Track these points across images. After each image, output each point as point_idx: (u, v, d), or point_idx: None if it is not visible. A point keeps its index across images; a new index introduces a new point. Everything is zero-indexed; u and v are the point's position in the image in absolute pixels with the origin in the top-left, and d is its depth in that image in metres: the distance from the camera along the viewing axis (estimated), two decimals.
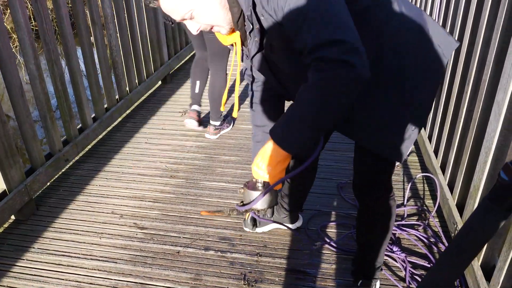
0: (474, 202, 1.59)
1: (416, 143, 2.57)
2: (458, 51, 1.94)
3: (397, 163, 1.49)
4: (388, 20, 1.10)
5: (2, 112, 1.87)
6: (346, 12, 0.94)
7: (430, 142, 2.31)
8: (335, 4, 0.93)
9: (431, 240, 1.86)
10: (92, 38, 2.65)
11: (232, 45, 1.19)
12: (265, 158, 1.01)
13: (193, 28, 1.07)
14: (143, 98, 3.45)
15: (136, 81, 3.24)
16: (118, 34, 2.93)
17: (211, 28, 1.09)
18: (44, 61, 2.33)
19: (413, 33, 1.13)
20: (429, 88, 1.18)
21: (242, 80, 1.48)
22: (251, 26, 1.04)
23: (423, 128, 2.42)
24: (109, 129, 2.94)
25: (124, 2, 2.97)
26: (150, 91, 3.58)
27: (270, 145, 1.00)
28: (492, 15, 1.60)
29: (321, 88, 0.91)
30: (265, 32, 1.05)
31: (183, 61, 4.33)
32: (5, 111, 1.98)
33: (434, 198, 2.12)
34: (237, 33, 1.12)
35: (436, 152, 2.21)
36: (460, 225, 1.68)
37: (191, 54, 4.50)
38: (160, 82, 3.77)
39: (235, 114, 1.42)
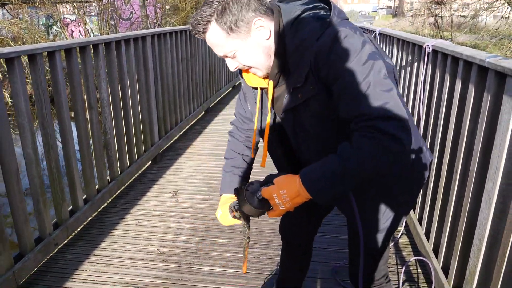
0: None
1: (406, 225, 2.62)
2: (444, 140, 2.07)
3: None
4: None
5: None
6: (398, 92, 1.05)
7: (421, 225, 2.36)
8: (392, 84, 1.03)
9: None
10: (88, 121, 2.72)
11: (255, 88, 1.27)
12: (290, 193, 1.05)
13: (232, 66, 1.16)
14: (133, 178, 3.46)
15: (127, 161, 3.27)
16: (112, 117, 3.01)
17: (248, 69, 1.17)
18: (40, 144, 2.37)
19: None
20: (414, 192, 1.33)
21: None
22: (300, 82, 1.10)
23: (412, 210, 2.49)
24: (98, 210, 2.91)
25: (119, 87, 3.09)
26: (140, 171, 3.60)
27: (297, 183, 1.05)
28: (475, 110, 1.75)
29: (369, 154, 0.97)
30: (308, 91, 1.11)
31: (172, 141, 4.41)
32: None
33: (428, 281, 2.13)
34: (270, 82, 1.17)
35: (427, 234, 2.26)
36: None
37: (180, 133, 4.61)
38: (150, 162, 3.81)
39: (263, 164, 1.41)
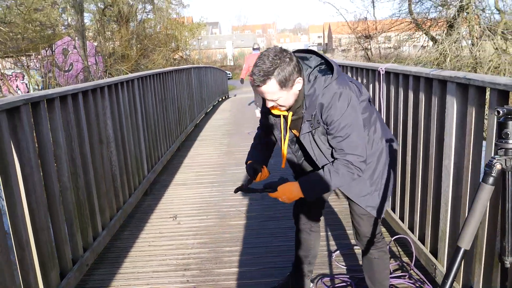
0: (444, 243, 2.13)
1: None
2: (405, 139, 2.64)
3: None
4: (380, 138, 1.84)
5: None
6: (364, 136, 1.72)
7: (395, 212, 2.90)
8: (361, 133, 1.70)
9: (417, 284, 2.33)
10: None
11: (278, 116, 1.81)
12: (290, 196, 1.77)
13: (270, 104, 1.68)
14: (132, 209, 3.74)
15: (128, 193, 3.58)
16: (116, 152, 3.34)
17: (277, 106, 1.69)
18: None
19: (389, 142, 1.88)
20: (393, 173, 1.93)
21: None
22: (310, 118, 1.69)
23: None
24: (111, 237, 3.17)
25: (118, 125, 3.44)
26: (136, 202, 3.88)
27: (296, 188, 1.74)
28: (427, 110, 2.34)
29: (342, 175, 1.70)
30: (315, 124, 1.71)
31: (156, 175, 4.72)
32: None
33: (408, 253, 2.63)
34: (290, 113, 1.75)
35: (401, 218, 2.79)
36: (438, 265, 2.19)
37: (163, 166, 4.94)
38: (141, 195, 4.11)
39: (283, 165, 1.95)
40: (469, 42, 12.85)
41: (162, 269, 2.71)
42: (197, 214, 3.60)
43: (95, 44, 19.50)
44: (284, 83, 1.59)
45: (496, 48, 11.88)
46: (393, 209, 2.96)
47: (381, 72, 2.95)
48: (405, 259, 2.62)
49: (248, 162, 2.01)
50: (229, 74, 32.84)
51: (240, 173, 4.75)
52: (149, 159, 4.36)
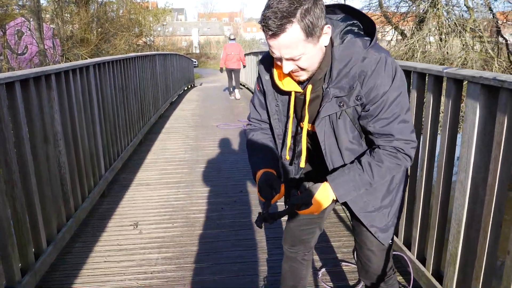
0: (454, 268, 1.83)
1: None
2: None
3: None
4: None
5: None
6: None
7: None
8: (409, 113, 1.30)
9: None
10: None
11: (286, 94, 1.36)
12: (327, 205, 1.32)
13: (288, 68, 1.20)
14: (86, 214, 3.26)
15: (80, 197, 3.10)
16: (66, 150, 2.85)
17: (296, 71, 1.24)
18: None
19: None
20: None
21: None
22: (345, 93, 1.24)
23: None
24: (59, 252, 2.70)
25: (69, 119, 2.95)
26: (91, 207, 3.40)
27: (331, 192, 1.31)
28: (433, 119, 2.02)
29: (387, 169, 1.30)
30: (350, 101, 1.25)
31: (115, 173, 4.23)
32: None
33: (404, 273, 2.34)
34: (309, 86, 1.29)
35: (395, 233, 2.48)
36: None
37: (123, 164, 4.45)
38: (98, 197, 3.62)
39: (303, 164, 1.48)
40: (437, 38, 12.91)
41: None
42: (162, 221, 3.18)
43: (52, 26, 18.27)
44: (310, 30, 1.12)
45: (464, 45, 11.97)
46: None
47: None
48: (400, 278, 2.33)
49: (260, 173, 1.44)
50: (195, 62, 32.08)
51: (210, 171, 4.34)
52: (107, 156, 3.87)
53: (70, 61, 15.28)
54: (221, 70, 10.51)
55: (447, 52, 12.87)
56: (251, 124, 1.60)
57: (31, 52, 16.58)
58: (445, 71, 1.87)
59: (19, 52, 16.47)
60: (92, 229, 3.08)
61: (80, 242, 2.88)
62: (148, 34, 24.18)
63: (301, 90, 1.32)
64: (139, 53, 6.03)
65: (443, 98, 1.96)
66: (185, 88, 13.15)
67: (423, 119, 2.18)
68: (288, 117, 1.41)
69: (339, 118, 1.29)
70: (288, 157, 1.49)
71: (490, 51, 12.42)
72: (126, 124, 4.72)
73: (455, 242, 1.83)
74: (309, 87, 1.29)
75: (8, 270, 2.05)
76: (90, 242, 2.87)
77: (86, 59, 10.37)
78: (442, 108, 2.05)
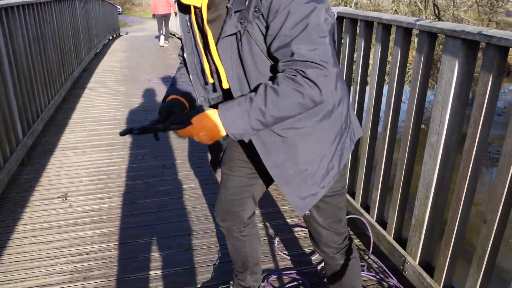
0: (420, 233, 1.76)
1: None
2: (361, 101, 2.16)
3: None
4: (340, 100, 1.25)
5: None
6: (329, 41, 1.06)
7: None
8: (327, 36, 1.06)
9: (379, 276, 1.98)
10: None
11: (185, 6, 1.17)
12: (213, 131, 1.10)
13: None
14: (3, 188, 2.81)
15: None
16: None
17: None
18: None
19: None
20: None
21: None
22: (242, 5, 1.05)
23: None
24: None
25: None
26: (9, 178, 2.94)
27: (216, 119, 1.09)
28: (400, 76, 1.87)
29: (286, 93, 1.03)
30: (250, 16, 1.05)
31: (35, 137, 3.72)
32: None
33: (361, 236, 2.27)
34: (205, 2, 1.10)
35: (351, 194, 2.39)
36: (408, 257, 1.83)
37: (44, 125, 3.93)
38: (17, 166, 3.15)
39: (226, 85, 1.28)
40: None
41: (52, 281, 1.98)
42: (94, 191, 2.83)
43: None
44: None
45: None
46: None
47: None
48: (357, 241, 2.26)
49: (169, 98, 1.31)
50: (119, 8, 29.85)
51: None
52: (24, 117, 3.35)
53: None
54: (154, 16, 10.22)
55: (379, 4, 13.01)
56: (181, 62, 1.41)
57: None
58: (418, 23, 1.69)
59: None
60: (12, 205, 2.66)
61: None
62: None
63: (199, 5, 1.12)
64: None
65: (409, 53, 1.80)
66: (110, 38, 12.09)
67: (387, 75, 2.03)
68: (198, 50, 1.22)
69: (241, 40, 1.09)
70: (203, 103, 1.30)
71: (418, 3, 12.73)
72: (44, 79, 4.13)
73: (422, 207, 1.74)
74: (205, 2, 1.11)
75: None
76: (10, 221, 2.47)
77: None
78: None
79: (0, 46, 2.89)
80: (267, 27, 1.05)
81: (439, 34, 1.63)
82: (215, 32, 1.14)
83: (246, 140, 1.18)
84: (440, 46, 8.54)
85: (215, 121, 1.09)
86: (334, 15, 2.32)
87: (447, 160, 1.62)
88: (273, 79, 1.08)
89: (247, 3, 1.04)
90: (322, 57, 1.02)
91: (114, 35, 13.10)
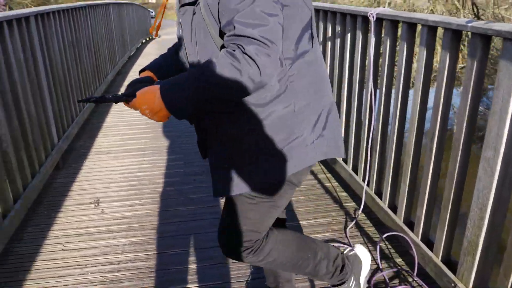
0: (473, 258, 1.61)
1: (357, 199, 2.58)
2: (404, 111, 2.02)
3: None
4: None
5: None
6: (280, 22, 1.01)
7: (381, 198, 2.34)
8: (278, 11, 1.00)
9: None
10: None
11: None
12: (152, 106, 1.06)
13: None
14: (37, 194, 2.83)
15: (30, 174, 2.65)
16: (7, 122, 2.37)
17: None
18: None
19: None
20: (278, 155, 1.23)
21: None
22: None
23: (367, 184, 2.47)
24: (7, 241, 2.29)
25: (8, 83, 2.44)
26: (44, 183, 2.96)
27: (156, 98, 1.05)
28: (450, 77, 1.73)
29: (222, 69, 0.97)
30: None
31: (71, 141, 3.75)
32: None
33: (403, 255, 2.12)
34: None
35: (393, 209, 2.25)
36: (459, 283, 1.68)
37: (79, 128, 3.97)
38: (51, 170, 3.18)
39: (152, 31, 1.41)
40: None
41: None
42: (127, 198, 2.81)
43: None
44: None
45: None
46: (379, 195, 2.40)
47: (372, 19, 2.26)
48: (399, 260, 2.11)
49: (143, 73, 1.34)
50: (152, 12, 30.38)
51: (178, 136, 3.95)
52: (59, 122, 3.38)
53: (13, 10, 13.82)
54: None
55: (413, 4, 12.63)
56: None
57: None
58: (469, 25, 1.55)
59: None
60: (45, 208, 2.67)
61: (33, 225, 2.48)
62: None
63: None
64: (90, 2, 5.33)
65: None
66: (143, 41, 12.29)
67: (433, 81, 1.89)
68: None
69: (195, 13, 1.07)
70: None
71: (456, 2, 12.27)
72: (79, 84, 4.18)
73: (475, 229, 1.59)
74: None
75: None
76: (44, 226, 2.48)
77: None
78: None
79: (37, 52, 2.91)
80: (219, 3, 1.02)
81: (494, 37, 1.49)
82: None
83: (190, 122, 1.17)
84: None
85: (154, 94, 1.06)
86: (372, 17, 2.20)
87: (505, 177, 1.47)
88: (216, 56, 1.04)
89: None
90: (266, 34, 0.96)
91: (147, 39, 13.30)
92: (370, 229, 2.37)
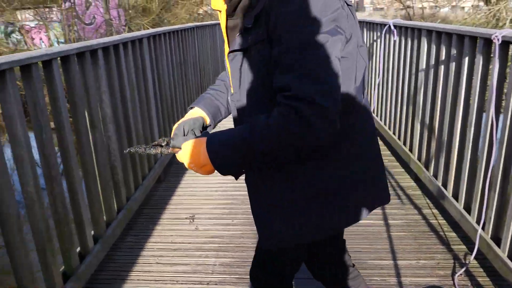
0: None
1: (470, 243, 2.28)
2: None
3: None
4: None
5: None
6: (338, 70, 0.90)
7: (499, 246, 2.02)
8: (335, 62, 0.89)
9: None
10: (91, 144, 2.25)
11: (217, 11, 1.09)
12: (198, 161, 1.00)
13: None
14: (138, 205, 2.99)
15: (133, 186, 2.81)
16: (117, 136, 2.55)
17: None
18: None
19: None
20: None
21: None
22: (250, 23, 0.95)
23: (482, 229, 2.16)
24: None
25: (120, 100, 2.62)
26: (145, 195, 3.12)
27: (202, 154, 0.99)
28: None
29: (276, 132, 0.89)
30: (256, 36, 0.96)
31: (172, 155, 3.95)
32: None
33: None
34: (224, 6, 1.03)
35: (497, 243, 1.94)
36: None
37: None
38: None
39: None
40: None
41: None
42: (221, 216, 2.83)
43: None
44: None
45: None
46: (496, 241, 2.08)
47: (496, 42, 2.00)
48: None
49: (193, 110, 1.27)
50: None
51: None
52: (163, 136, 3.55)
53: (133, 31, 15.32)
54: None
55: None
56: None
57: (97, 22, 16.85)
58: None
59: (86, 22, 16.82)
60: (145, 220, 2.81)
61: (132, 235, 2.61)
62: (210, 2, 23.80)
63: (223, 9, 1.04)
64: (198, 23, 5.64)
65: None
66: None
67: None
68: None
69: (248, 56, 0.99)
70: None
71: None
72: (184, 101, 4.40)
73: None
74: (223, 8, 1.03)
75: (48, 278, 1.79)
76: (142, 237, 2.59)
77: (148, 29, 10.17)
78: None
79: (147, 72, 3.11)
80: (271, 51, 0.94)
81: None
82: (231, 40, 1.07)
83: (236, 179, 1.09)
84: None
85: (199, 149, 1.00)
86: (496, 40, 1.95)
87: None
88: (264, 107, 0.97)
89: (254, 21, 0.95)
90: (323, 94, 0.86)
91: None
92: (484, 279, 2.06)
